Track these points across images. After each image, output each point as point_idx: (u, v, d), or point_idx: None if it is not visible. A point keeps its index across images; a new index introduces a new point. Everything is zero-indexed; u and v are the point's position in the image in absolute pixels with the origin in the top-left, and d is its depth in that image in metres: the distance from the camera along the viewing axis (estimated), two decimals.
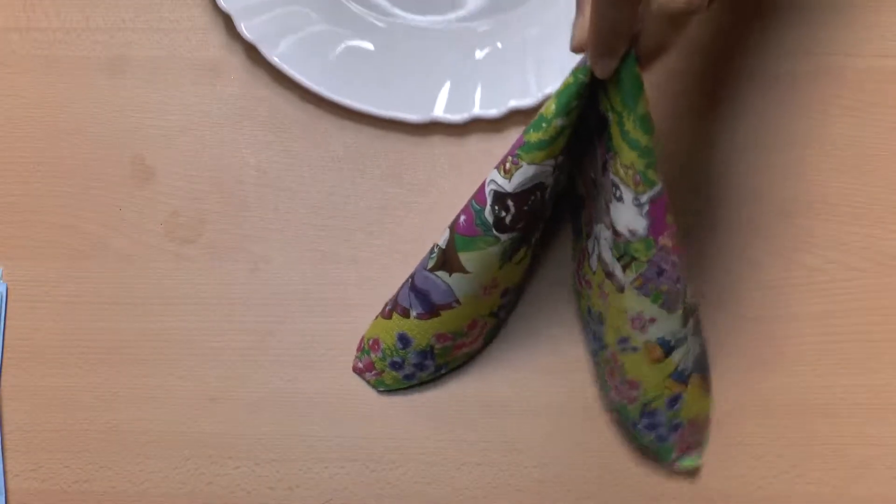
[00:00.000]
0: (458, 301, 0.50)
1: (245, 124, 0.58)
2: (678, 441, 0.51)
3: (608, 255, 0.47)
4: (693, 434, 0.52)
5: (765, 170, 0.57)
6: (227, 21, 0.59)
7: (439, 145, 0.57)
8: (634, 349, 0.49)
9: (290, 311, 0.55)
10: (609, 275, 0.48)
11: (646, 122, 0.42)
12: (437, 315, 0.51)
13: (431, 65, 0.58)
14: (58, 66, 0.58)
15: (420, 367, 0.53)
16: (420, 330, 0.52)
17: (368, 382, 0.54)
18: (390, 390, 0.54)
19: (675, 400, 0.50)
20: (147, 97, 0.58)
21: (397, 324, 0.52)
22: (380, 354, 0.53)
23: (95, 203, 0.56)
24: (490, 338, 0.54)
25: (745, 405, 0.54)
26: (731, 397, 0.54)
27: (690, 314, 0.49)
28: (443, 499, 0.53)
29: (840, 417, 0.53)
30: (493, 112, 0.56)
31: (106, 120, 0.58)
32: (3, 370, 0.54)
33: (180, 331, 0.55)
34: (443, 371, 0.54)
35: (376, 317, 0.54)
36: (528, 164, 0.45)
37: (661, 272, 0.46)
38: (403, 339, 0.52)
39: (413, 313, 0.51)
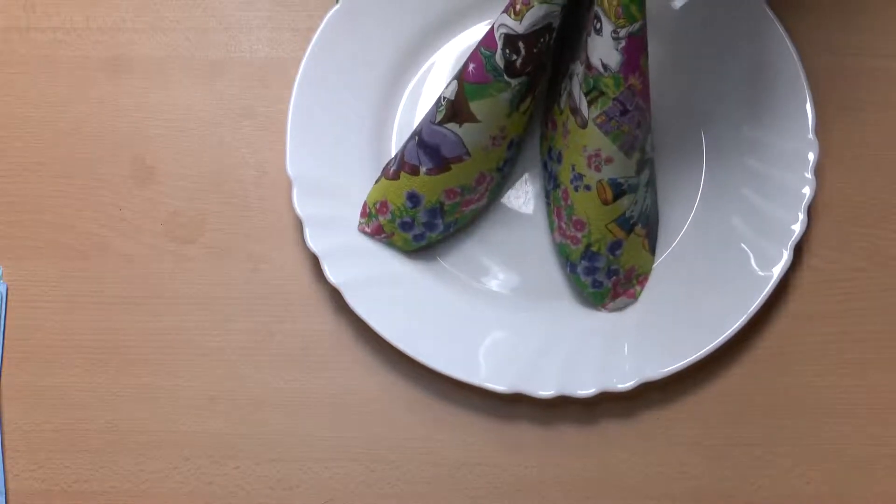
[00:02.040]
0: (468, 153, 0.51)
1: (245, 124, 0.58)
2: (612, 287, 0.53)
3: (577, 91, 0.49)
4: (627, 284, 0.54)
5: None
6: (228, 22, 0.59)
7: None
8: (587, 188, 0.50)
9: (290, 311, 0.55)
10: (574, 111, 0.49)
11: None
12: (448, 169, 0.52)
13: None
14: (58, 66, 0.58)
15: (430, 226, 0.54)
16: (430, 186, 0.52)
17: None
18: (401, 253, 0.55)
19: (616, 245, 0.52)
20: (147, 97, 0.58)
21: (406, 183, 0.53)
22: (388, 217, 0.53)
23: (95, 203, 0.56)
24: (494, 195, 0.55)
25: (746, 405, 0.54)
26: (732, 397, 0.54)
27: (645, 165, 0.51)
28: (443, 499, 0.53)
29: (840, 417, 0.53)
30: None
31: (106, 120, 0.58)
32: (3, 370, 0.54)
33: (180, 331, 0.55)
34: (451, 230, 0.54)
35: (378, 179, 0.54)
36: (540, 3, 0.46)
37: (624, 112, 0.47)
38: (413, 198, 0.53)
39: (423, 170, 0.52)
